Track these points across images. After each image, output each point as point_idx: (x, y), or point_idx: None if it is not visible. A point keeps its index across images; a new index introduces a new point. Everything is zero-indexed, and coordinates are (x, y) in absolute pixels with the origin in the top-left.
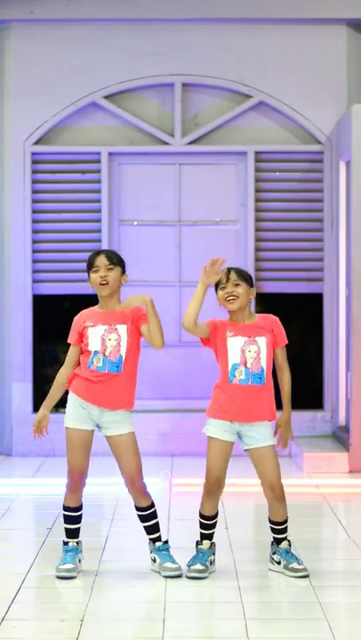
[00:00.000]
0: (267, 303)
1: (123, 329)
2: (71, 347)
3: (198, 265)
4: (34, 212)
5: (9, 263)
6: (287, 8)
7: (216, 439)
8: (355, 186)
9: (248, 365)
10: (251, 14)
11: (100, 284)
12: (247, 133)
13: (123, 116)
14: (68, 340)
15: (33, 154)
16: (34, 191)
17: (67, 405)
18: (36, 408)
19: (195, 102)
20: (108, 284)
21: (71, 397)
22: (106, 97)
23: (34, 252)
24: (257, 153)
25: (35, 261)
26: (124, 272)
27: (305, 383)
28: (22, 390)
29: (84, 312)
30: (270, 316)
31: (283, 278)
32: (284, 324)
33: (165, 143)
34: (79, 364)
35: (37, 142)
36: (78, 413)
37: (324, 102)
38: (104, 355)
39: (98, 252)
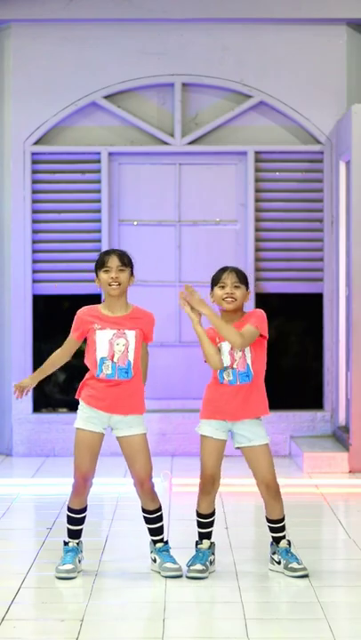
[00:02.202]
0: (267, 303)
1: (131, 334)
2: (71, 338)
3: (198, 265)
4: (34, 211)
5: (9, 263)
6: (287, 8)
7: (209, 438)
8: (355, 186)
9: (235, 366)
10: (251, 14)
11: (111, 285)
12: (247, 133)
13: (123, 116)
14: (71, 334)
15: (33, 154)
16: (34, 191)
17: (78, 410)
18: (35, 408)
19: (195, 102)
20: (120, 285)
21: (81, 405)
22: (106, 97)
23: (34, 251)
24: (257, 153)
25: (35, 261)
26: (132, 273)
27: (305, 383)
28: None
29: (88, 309)
30: (256, 311)
31: (283, 278)
32: (285, 323)
33: (165, 143)
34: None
35: (37, 142)
36: (89, 416)
37: (325, 102)
38: (112, 361)
39: (109, 252)
